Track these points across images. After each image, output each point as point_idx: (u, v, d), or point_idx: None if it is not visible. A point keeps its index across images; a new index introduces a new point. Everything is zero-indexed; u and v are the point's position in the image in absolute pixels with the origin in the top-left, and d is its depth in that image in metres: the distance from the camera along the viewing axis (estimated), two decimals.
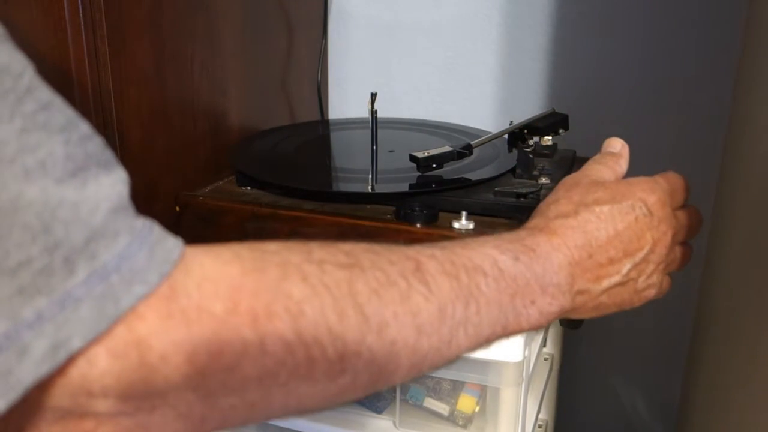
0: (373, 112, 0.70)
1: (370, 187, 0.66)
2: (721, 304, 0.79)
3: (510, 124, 0.74)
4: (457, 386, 0.62)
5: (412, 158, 0.64)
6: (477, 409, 0.62)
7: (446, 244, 0.36)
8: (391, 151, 0.74)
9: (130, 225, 0.25)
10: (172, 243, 0.26)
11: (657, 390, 1.04)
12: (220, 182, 0.69)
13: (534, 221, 0.42)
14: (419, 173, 0.64)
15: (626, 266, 0.41)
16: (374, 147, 0.72)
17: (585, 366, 1.06)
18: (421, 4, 1.00)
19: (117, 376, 0.24)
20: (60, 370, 0.23)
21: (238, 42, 0.78)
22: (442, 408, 0.62)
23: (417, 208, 0.59)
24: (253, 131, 0.83)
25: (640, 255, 0.42)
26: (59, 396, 0.23)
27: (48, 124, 0.23)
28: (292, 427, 0.65)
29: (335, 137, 0.87)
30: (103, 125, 0.59)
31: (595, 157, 0.48)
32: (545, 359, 0.81)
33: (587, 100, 0.95)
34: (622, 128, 0.93)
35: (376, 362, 0.30)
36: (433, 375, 0.61)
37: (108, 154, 0.26)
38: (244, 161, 0.71)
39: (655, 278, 0.43)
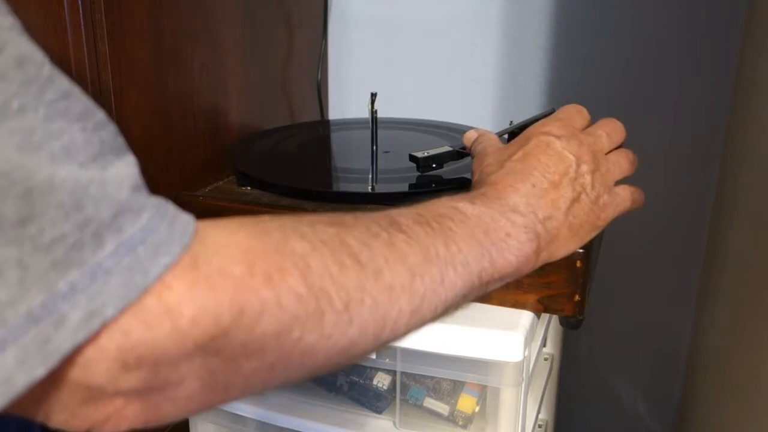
0: (373, 112, 0.70)
1: (370, 187, 0.66)
2: (721, 304, 0.79)
3: (510, 124, 0.74)
4: (457, 386, 0.62)
5: (412, 158, 0.64)
6: (477, 409, 0.62)
7: (407, 207, 0.39)
8: (386, 152, 0.74)
9: (149, 201, 0.26)
10: (186, 217, 0.28)
11: (657, 390, 1.04)
12: (220, 182, 0.69)
13: (473, 189, 0.47)
14: (419, 173, 0.64)
15: (566, 184, 0.46)
16: (374, 147, 0.72)
17: (585, 366, 1.06)
18: (421, 4, 1.00)
19: (151, 344, 0.25)
20: (97, 344, 0.24)
21: (238, 42, 0.79)
22: (442, 408, 0.62)
23: None
24: (253, 131, 0.83)
25: (572, 170, 0.46)
26: (95, 372, 0.25)
27: (68, 112, 0.25)
28: (292, 427, 0.65)
29: (335, 137, 0.87)
30: None
31: (473, 148, 0.55)
32: (545, 359, 0.81)
33: (587, 100, 0.94)
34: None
35: (379, 308, 0.32)
36: (433, 375, 0.61)
37: (120, 141, 0.27)
38: (244, 161, 0.71)
39: (599, 186, 0.47)
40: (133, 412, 0.27)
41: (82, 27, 0.56)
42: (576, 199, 0.46)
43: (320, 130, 0.91)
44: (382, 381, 0.65)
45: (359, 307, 0.31)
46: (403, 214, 0.37)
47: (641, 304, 1.01)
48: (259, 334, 0.28)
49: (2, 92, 0.23)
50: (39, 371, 0.22)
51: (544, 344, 0.78)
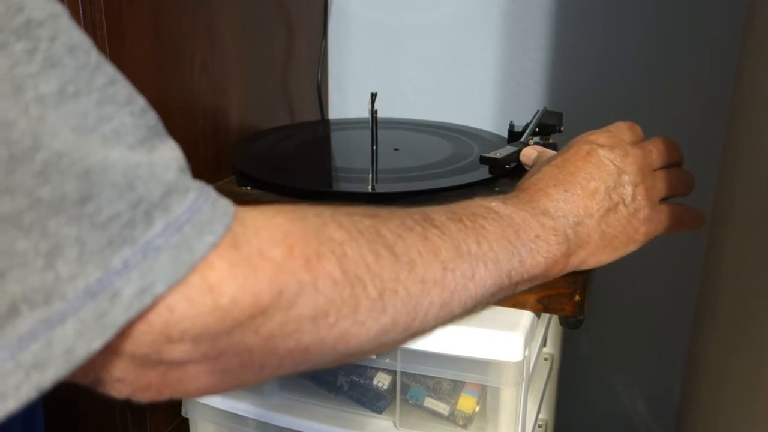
0: (373, 112, 0.70)
1: (370, 187, 0.66)
2: (721, 304, 0.79)
3: (510, 125, 0.74)
4: (457, 386, 0.62)
5: (486, 160, 0.63)
6: (477, 409, 0.62)
7: (441, 205, 0.40)
8: (396, 149, 0.74)
9: (194, 183, 0.27)
10: (226, 200, 0.29)
11: (657, 390, 1.04)
12: (220, 182, 0.69)
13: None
14: (491, 174, 0.64)
15: (603, 193, 0.45)
16: (374, 147, 0.72)
17: (585, 366, 1.06)
18: (421, 5, 1.00)
19: (193, 319, 0.26)
20: (145, 318, 0.25)
21: (238, 42, 0.79)
22: (442, 408, 0.62)
23: None
24: (253, 131, 0.83)
25: (611, 179, 0.46)
26: (142, 343, 0.26)
27: (115, 97, 0.26)
28: (292, 427, 0.65)
29: (335, 137, 0.87)
30: None
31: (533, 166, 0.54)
32: (545, 359, 0.81)
33: (587, 100, 0.95)
34: None
35: (411, 299, 0.33)
36: (433, 375, 0.61)
37: (161, 127, 0.28)
38: (244, 161, 0.71)
39: (641, 200, 0.46)
40: (173, 382, 0.28)
41: (82, 27, 0.56)
42: (613, 209, 0.46)
43: (320, 130, 0.91)
44: (382, 381, 0.65)
45: (392, 297, 0.32)
46: (437, 210, 0.38)
47: (641, 304, 1.01)
48: (295, 315, 0.28)
49: (59, 77, 0.24)
50: (97, 343, 0.23)
51: (544, 344, 0.78)
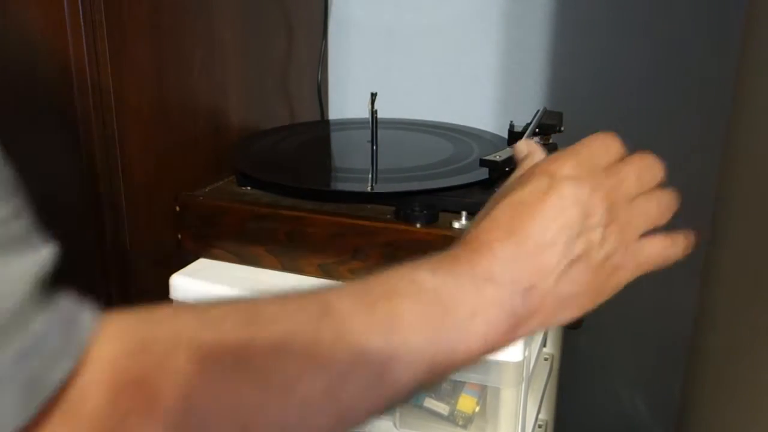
0: (373, 112, 0.70)
1: (370, 187, 0.66)
2: (721, 304, 0.79)
3: (510, 125, 0.74)
4: (457, 386, 0.62)
5: (486, 163, 0.62)
6: (477, 409, 0.62)
7: (373, 275, 0.34)
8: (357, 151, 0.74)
9: (51, 302, 0.24)
10: (82, 322, 0.26)
11: (657, 390, 1.04)
12: (220, 182, 0.69)
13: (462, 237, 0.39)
14: (489, 177, 0.63)
15: (564, 243, 0.36)
16: (374, 147, 0.72)
17: (585, 366, 1.06)
18: (421, 5, 1.00)
19: None
20: None
21: (238, 42, 0.79)
22: (442, 408, 0.62)
23: (417, 208, 0.59)
24: (253, 131, 0.83)
25: (576, 224, 0.36)
26: None
27: None
28: None
29: (335, 137, 0.87)
30: (102, 125, 0.59)
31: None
32: (545, 359, 0.81)
33: (587, 100, 0.95)
34: (622, 128, 0.93)
35: (288, 428, 0.29)
36: None
37: (32, 233, 0.25)
38: (244, 161, 0.71)
39: (612, 243, 0.37)
40: None
41: (82, 27, 0.56)
42: (576, 261, 0.36)
43: (320, 130, 0.91)
44: None
45: (260, 429, 0.28)
46: (347, 293, 0.32)
47: (641, 303, 1.01)
48: None
49: None
50: None
51: (544, 344, 0.78)
